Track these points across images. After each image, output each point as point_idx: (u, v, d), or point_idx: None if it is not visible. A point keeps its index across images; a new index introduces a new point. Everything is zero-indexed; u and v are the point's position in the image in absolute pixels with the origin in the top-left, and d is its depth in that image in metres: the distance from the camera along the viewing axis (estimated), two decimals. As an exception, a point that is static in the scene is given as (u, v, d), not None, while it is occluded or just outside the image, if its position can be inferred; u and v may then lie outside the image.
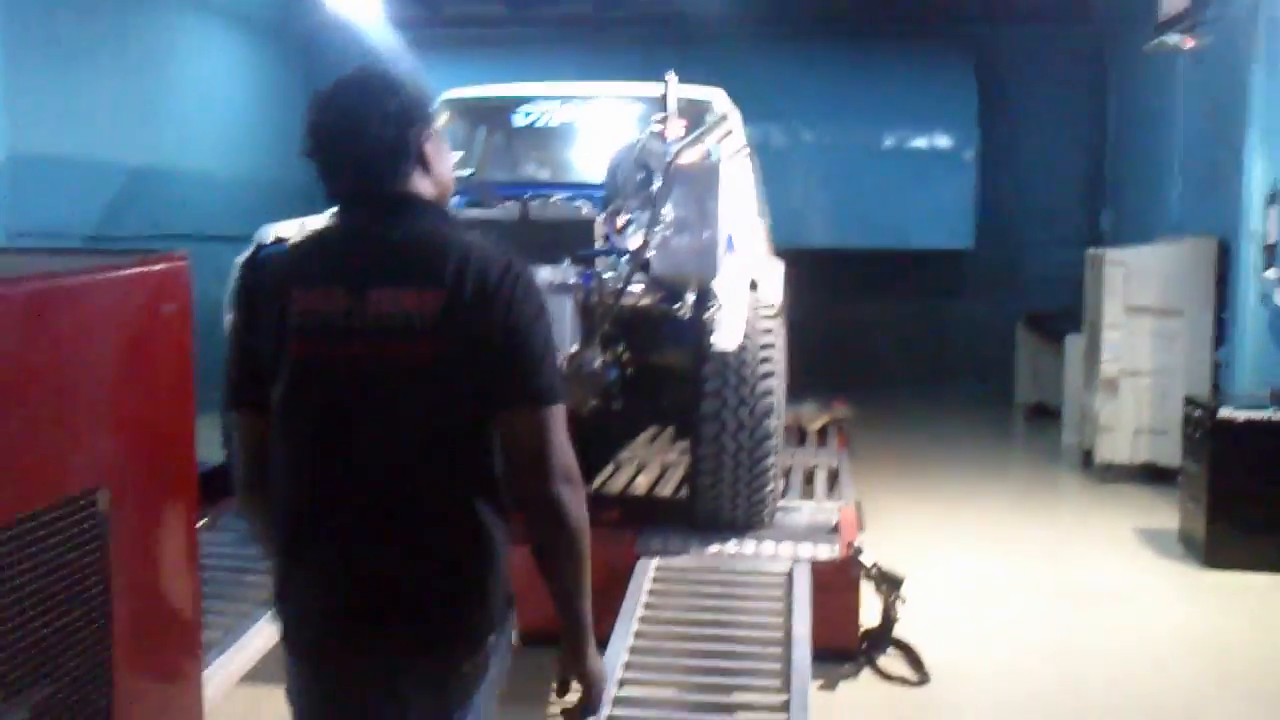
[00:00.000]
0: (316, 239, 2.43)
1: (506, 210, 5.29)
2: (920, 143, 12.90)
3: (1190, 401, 7.45)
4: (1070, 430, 10.60)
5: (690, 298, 5.14)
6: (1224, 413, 6.97)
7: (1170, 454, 8.91)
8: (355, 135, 2.27)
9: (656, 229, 5.01)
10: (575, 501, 2.23)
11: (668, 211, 5.02)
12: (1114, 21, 12.52)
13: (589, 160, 6.78)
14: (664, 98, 5.41)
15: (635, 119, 7.07)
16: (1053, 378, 11.81)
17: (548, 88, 7.27)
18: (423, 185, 2.34)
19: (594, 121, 7.08)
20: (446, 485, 2.23)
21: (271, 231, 5.70)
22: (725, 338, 5.26)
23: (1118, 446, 9.18)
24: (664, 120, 5.37)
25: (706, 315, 5.16)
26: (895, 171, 12.71)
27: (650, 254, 5.06)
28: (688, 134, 5.42)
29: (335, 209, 2.38)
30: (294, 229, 5.74)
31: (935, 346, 13.73)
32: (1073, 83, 13.34)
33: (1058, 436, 10.89)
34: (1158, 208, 10.47)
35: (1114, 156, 12.40)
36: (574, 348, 5.05)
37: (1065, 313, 12.39)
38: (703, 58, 10.35)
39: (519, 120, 7.26)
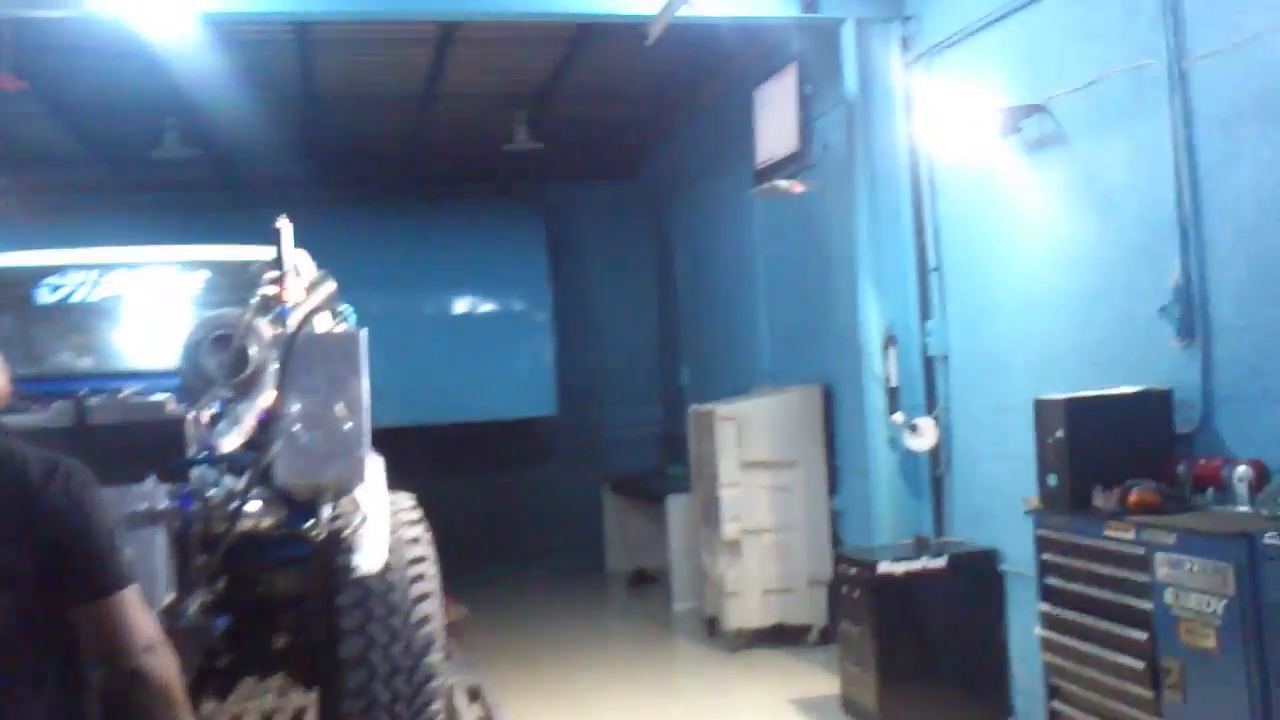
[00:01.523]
0: None
1: (56, 413, 3.80)
2: (493, 307, 12.23)
3: (845, 559, 7.01)
4: (683, 597, 10.06)
5: (326, 512, 3.89)
6: (883, 567, 6.55)
7: (798, 613, 8.58)
8: None
9: (280, 424, 3.74)
10: (161, 664, 2.33)
11: (293, 399, 3.77)
12: (667, 176, 12.59)
13: (148, 341, 5.33)
14: (277, 252, 4.17)
15: (199, 287, 5.76)
16: (649, 542, 11.36)
17: (79, 255, 5.75)
18: None
19: (147, 293, 5.64)
20: (30, 673, 2.27)
21: None
22: (368, 558, 4.05)
23: (747, 611, 8.63)
24: (279, 280, 4.13)
25: (346, 532, 3.94)
26: (470, 339, 11.93)
27: (270, 458, 3.77)
28: (308, 297, 4.20)
29: None
30: None
31: (522, 519, 12.89)
32: (640, 238, 13.29)
33: (667, 604, 10.31)
34: (745, 358, 10.33)
35: (688, 309, 12.31)
36: (169, 596, 3.64)
37: (654, 473, 12.07)
38: (250, 221, 9.12)
39: (43, 297, 5.66)
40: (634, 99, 10.67)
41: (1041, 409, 5.15)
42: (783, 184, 7.16)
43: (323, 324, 5.29)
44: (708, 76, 9.95)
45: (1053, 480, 5.11)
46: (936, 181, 7.08)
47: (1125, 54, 5.40)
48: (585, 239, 13.18)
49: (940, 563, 6.61)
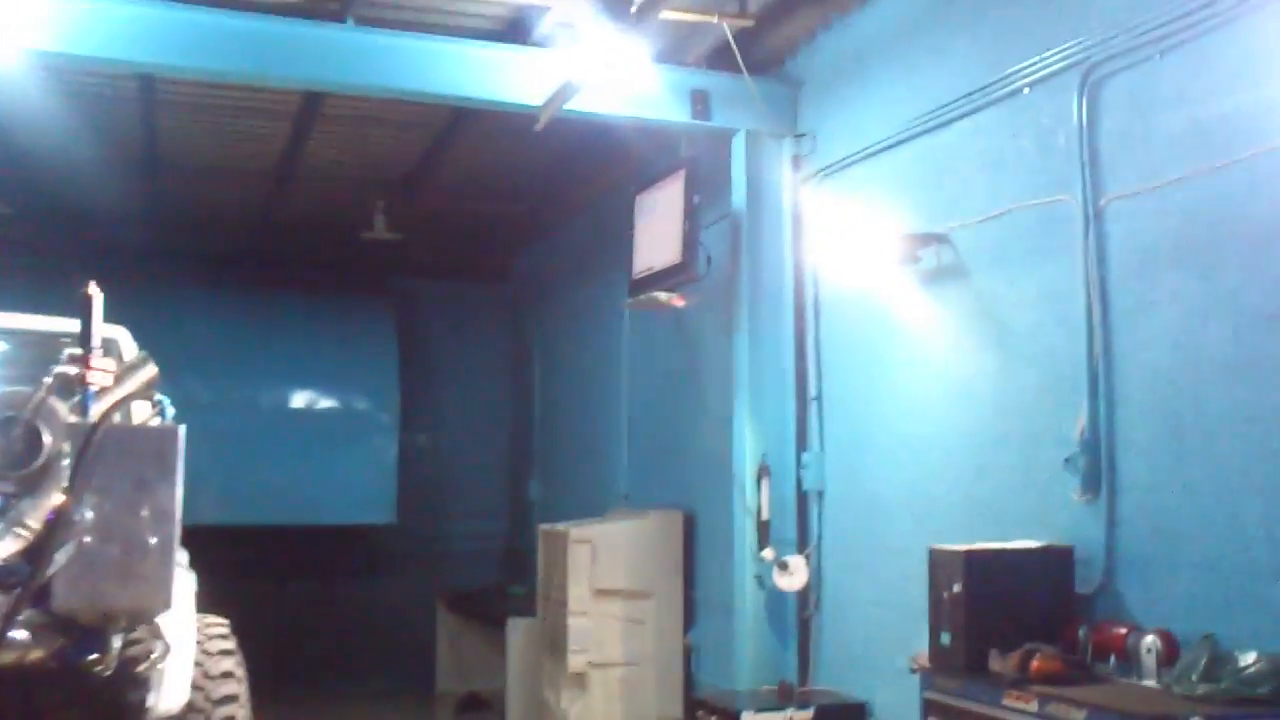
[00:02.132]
0: None
1: None
2: (336, 404, 11.42)
3: (702, 704, 6.44)
4: (518, 729, 9.32)
5: (117, 642, 3.18)
6: (746, 717, 6.00)
7: (641, 757, 7.94)
8: None
9: (69, 531, 3.04)
10: None
11: (88, 502, 3.08)
12: (532, 278, 12.12)
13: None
14: (85, 326, 3.48)
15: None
16: (484, 664, 10.64)
17: None
18: None
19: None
20: None
21: None
22: (167, 696, 3.34)
23: (589, 752, 7.94)
24: (83, 358, 3.43)
25: (141, 667, 3.23)
26: (308, 436, 11.08)
27: (51, 573, 3.06)
28: (118, 381, 3.50)
29: None
30: None
31: (350, 632, 11.96)
32: (498, 342, 12.70)
33: (502, 734, 9.56)
34: (602, 476, 9.79)
35: (544, 420, 11.72)
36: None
37: (494, 591, 11.37)
38: (70, 292, 8.28)
39: None
40: (504, 196, 10.23)
41: (937, 559, 4.73)
42: (662, 296, 6.73)
43: (139, 414, 4.59)
44: (583, 179, 9.57)
45: (945, 638, 4.67)
46: (822, 306, 6.75)
47: (1036, 188, 5.16)
48: (440, 338, 12.55)
49: (807, 715, 6.12)
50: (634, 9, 5.52)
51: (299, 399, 11.32)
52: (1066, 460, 4.78)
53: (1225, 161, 4.24)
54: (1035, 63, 5.17)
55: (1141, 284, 4.61)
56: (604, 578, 8.04)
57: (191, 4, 5.87)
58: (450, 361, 12.59)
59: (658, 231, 6.93)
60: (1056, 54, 5.06)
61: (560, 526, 8.37)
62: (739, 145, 6.98)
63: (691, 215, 6.59)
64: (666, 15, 5.95)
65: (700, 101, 6.85)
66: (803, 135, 6.96)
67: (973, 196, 5.58)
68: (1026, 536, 4.95)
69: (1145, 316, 4.58)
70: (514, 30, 6.70)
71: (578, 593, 8.01)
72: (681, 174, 6.71)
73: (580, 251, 10.48)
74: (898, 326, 6.08)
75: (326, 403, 11.38)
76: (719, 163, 7.07)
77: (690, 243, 6.56)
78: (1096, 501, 4.70)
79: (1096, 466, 4.70)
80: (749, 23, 6.51)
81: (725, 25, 6.43)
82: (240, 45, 5.99)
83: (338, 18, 6.27)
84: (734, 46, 6.46)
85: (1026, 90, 5.26)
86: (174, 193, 9.73)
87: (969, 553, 4.60)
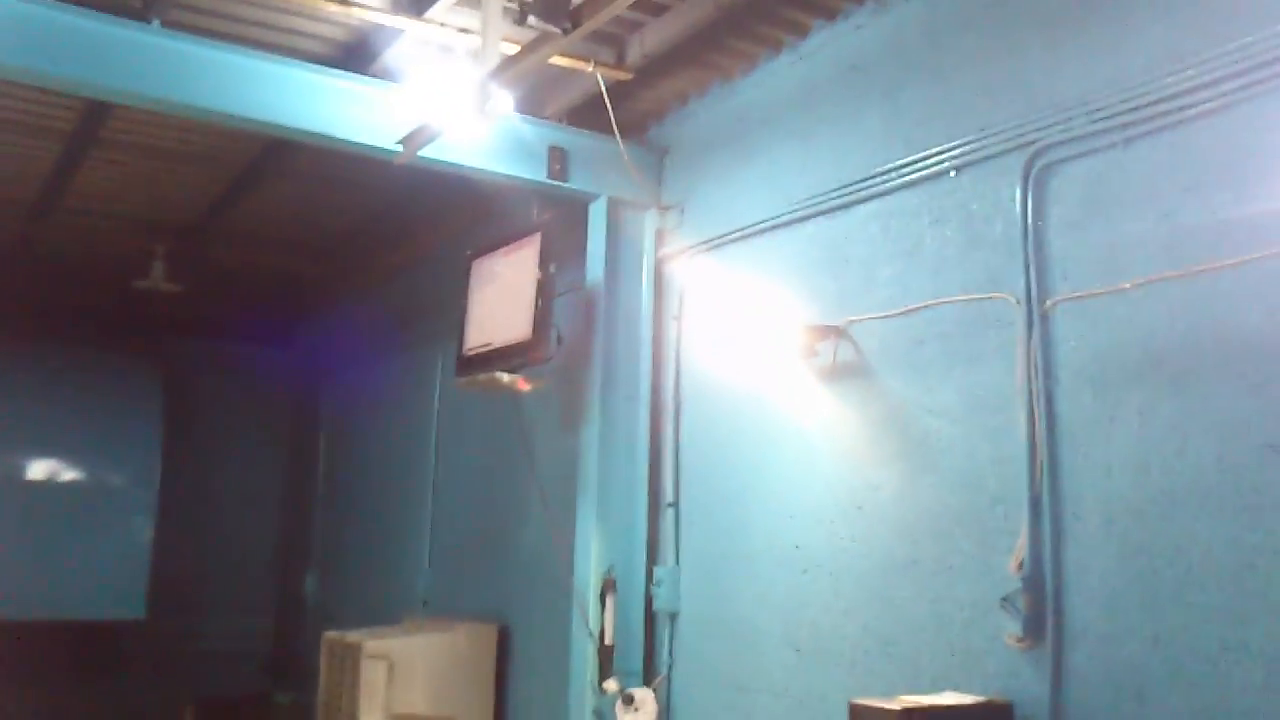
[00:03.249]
0: None
1: None
2: (85, 477, 9.86)
3: None
4: None
5: None
6: None
7: None
8: None
9: None
10: None
11: None
12: (327, 345, 10.92)
13: None
14: None
15: None
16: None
17: None
18: None
19: None
20: None
21: None
22: None
23: None
24: None
25: None
26: (50, 514, 9.51)
27: None
28: None
29: None
30: None
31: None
32: (280, 416, 11.34)
33: None
34: (397, 576, 8.65)
35: (327, 507, 10.44)
36: None
37: (255, 700, 10.00)
38: None
39: None
40: (303, 252, 9.13)
41: (861, 716, 3.93)
42: (504, 378, 5.79)
43: None
44: (396, 239, 8.59)
45: (867, 814, 3.87)
46: (686, 399, 5.95)
47: (964, 283, 4.52)
48: (214, 408, 11.12)
49: None
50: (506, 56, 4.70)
51: (40, 469, 9.71)
52: (1004, 599, 4.09)
53: (1209, 266, 3.69)
54: (968, 143, 4.58)
55: (1099, 399, 3.99)
56: (402, 700, 6.90)
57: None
58: (223, 435, 11.15)
59: (501, 303, 6.01)
60: (994, 135, 4.48)
61: (351, 636, 7.18)
62: (598, 213, 6.17)
63: (546, 287, 5.71)
64: (554, 60, 5.13)
65: (558, 160, 6.04)
66: (669, 208, 6.23)
67: (879, 287, 4.92)
68: (945, 684, 4.24)
69: (1104, 436, 3.95)
70: (352, 57, 5.73)
71: (370, 718, 6.86)
72: (536, 239, 5.84)
73: (385, 320, 9.41)
74: (778, 429, 5.32)
75: (73, 475, 9.80)
76: (573, 232, 6.24)
77: (543, 319, 5.67)
78: (1039, 648, 4.01)
79: (1040, 607, 4.02)
80: (626, 76, 5.74)
81: (600, 76, 5.65)
82: (12, 31, 4.80)
83: (141, 17, 5.16)
84: (607, 100, 5.68)
85: (953, 173, 4.66)
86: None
87: (905, 711, 3.80)
